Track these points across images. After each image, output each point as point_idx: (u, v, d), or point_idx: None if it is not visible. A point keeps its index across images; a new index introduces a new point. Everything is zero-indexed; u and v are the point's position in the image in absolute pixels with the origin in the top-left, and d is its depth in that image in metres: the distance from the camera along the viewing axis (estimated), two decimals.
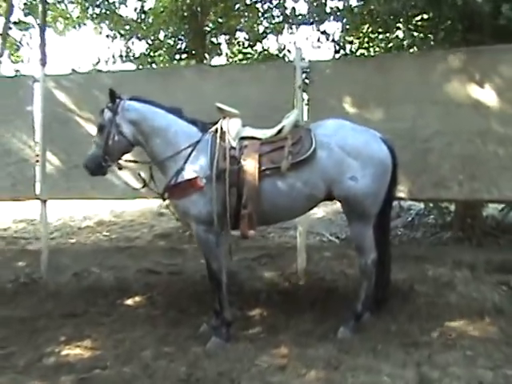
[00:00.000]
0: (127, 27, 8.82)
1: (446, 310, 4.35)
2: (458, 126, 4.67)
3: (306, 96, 5.38)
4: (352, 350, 3.73)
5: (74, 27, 11.13)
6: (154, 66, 9.40)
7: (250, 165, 3.87)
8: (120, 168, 4.25)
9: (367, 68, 4.97)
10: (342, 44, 7.80)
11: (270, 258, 5.57)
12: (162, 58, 9.27)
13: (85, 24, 10.79)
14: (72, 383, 3.44)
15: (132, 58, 9.08)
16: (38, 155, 5.59)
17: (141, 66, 9.04)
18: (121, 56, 9.00)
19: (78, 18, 10.60)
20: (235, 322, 4.31)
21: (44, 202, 5.59)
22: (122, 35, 8.98)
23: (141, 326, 4.40)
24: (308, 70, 5.20)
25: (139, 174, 4.23)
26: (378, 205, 4.00)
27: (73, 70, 7.54)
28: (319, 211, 8.40)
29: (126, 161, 4.31)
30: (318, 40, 8.00)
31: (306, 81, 5.36)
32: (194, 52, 8.72)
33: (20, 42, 10.22)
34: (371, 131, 4.06)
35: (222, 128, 4.04)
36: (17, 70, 9.17)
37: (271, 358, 3.68)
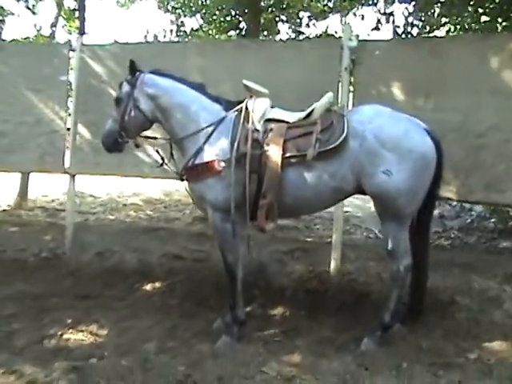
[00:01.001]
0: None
1: (488, 329, 3.82)
2: None
3: (352, 79, 4.94)
4: (373, 365, 3.32)
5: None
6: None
7: (274, 150, 3.50)
8: (138, 146, 3.99)
9: (421, 51, 4.46)
10: (404, 26, 7.23)
11: (303, 252, 5.21)
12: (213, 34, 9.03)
13: None
14: (63, 371, 3.22)
15: (183, 32, 8.89)
16: (69, 129, 5.47)
17: None
18: (171, 30, 8.82)
19: None
20: (252, 319, 4.05)
21: (73, 176, 5.47)
22: (174, 8, 8.76)
23: (152, 315, 4.18)
24: (356, 51, 4.74)
25: (157, 151, 3.96)
26: (416, 205, 3.54)
27: (115, 41, 7.42)
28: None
29: (144, 137, 4.06)
30: (379, 22, 7.44)
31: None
32: (246, 29, 8.38)
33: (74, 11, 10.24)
34: (414, 120, 3.58)
35: (246, 108, 3.69)
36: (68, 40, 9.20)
37: (281, 365, 3.33)
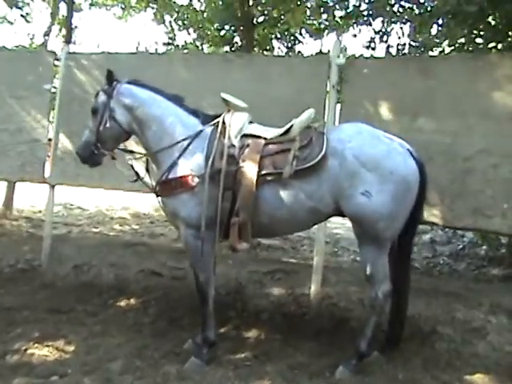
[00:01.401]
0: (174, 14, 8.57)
1: (470, 361, 3.70)
2: (508, 146, 4.01)
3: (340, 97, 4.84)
4: None
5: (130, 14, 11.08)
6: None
7: (249, 167, 3.40)
8: (114, 158, 3.87)
9: (409, 70, 4.37)
10: (397, 46, 7.19)
11: (285, 274, 5.06)
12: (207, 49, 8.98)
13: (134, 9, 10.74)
14: None
15: (176, 46, 8.84)
16: (50, 139, 5.38)
17: None
18: (164, 43, 8.78)
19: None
20: (225, 341, 3.93)
21: (52, 186, 5.36)
22: (166, 21, 8.72)
23: (123, 333, 4.06)
24: (344, 68, 4.66)
25: (132, 166, 3.85)
26: (396, 228, 3.43)
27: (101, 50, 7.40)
28: None
29: (121, 150, 3.96)
30: (372, 40, 7.39)
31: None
32: (240, 45, 8.32)
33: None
34: (397, 141, 3.48)
35: (223, 122, 3.60)
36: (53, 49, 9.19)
37: None
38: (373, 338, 3.50)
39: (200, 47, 9.24)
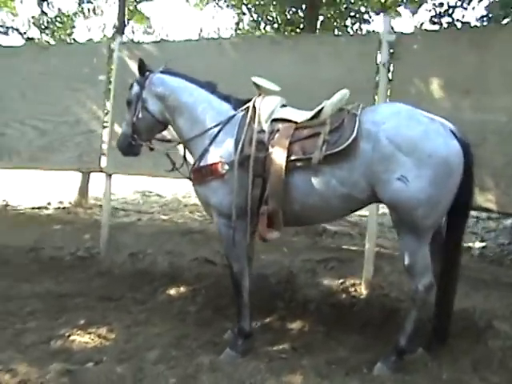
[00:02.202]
0: None
1: None
2: None
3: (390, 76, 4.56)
4: None
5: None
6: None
7: (278, 153, 3.26)
8: (152, 149, 3.89)
9: (461, 43, 4.03)
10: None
11: (339, 263, 4.88)
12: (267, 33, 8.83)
13: None
14: (57, 373, 3.18)
15: (239, 30, 8.78)
16: (106, 127, 5.53)
17: None
18: (230, 28, 8.74)
19: None
20: (268, 332, 3.89)
21: (109, 175, 5.52)
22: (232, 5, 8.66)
23: (166, 322, 4.11)
24: (394, 45, 4.38)
25: (167, 155, 3.83)
26: (438, 216, 3.17)
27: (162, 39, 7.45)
28: None
29: (158, 140, 3.96)
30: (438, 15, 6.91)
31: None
32: (302, 27, 8.09)
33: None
34: (438, 121, 3.18)
35: (254, 107, 3.49)
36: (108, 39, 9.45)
37: None
38: (414, 333, 3.25)
39: (265, 31, 9.13)
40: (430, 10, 7.60)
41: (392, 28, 4.46)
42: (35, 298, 4.50)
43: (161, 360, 3.45)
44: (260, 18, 9.01)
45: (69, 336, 3.80)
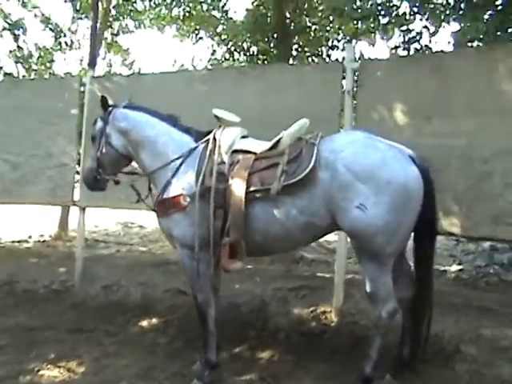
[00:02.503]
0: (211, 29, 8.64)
1: None
2: None
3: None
4: None
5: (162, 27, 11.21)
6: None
7: (237, 184, 3.31)
8: (117, 182, 3.93)
9: (422, 69, 4.13)
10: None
11: (310, 290, 4.93)
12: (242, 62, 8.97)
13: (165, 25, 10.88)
14: None
15: (214, 60, 8.91)
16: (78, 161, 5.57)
17: None
18: (203, 59, 8.88)
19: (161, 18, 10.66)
20: (237, 362, 3.89)
21: (83, 209, 5.53)
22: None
23: (136, 353, 4.08)
24: (357, 72, 4.48)
25: (132, 186, 3.87)
26: (398, 243, 3.20)
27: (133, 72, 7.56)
28: None
29: (124, 173, 3.99)
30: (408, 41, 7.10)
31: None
32: (276, 55, 8.23)
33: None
34: (397, 147, 3.25)
35: (214, 138, 3.56)
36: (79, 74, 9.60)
37: None
38: (380, 359, 3.28)
39: (238, 61, 9.27)
40: (399, 36, 7.81)
41: (361, 55, 4.55)
42: (6, 333, 4.46)
43: None
44: (234, 49, 9.16)
45: (38, 371, 3.79)
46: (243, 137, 3.62)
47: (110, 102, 3.88)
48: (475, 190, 3.82)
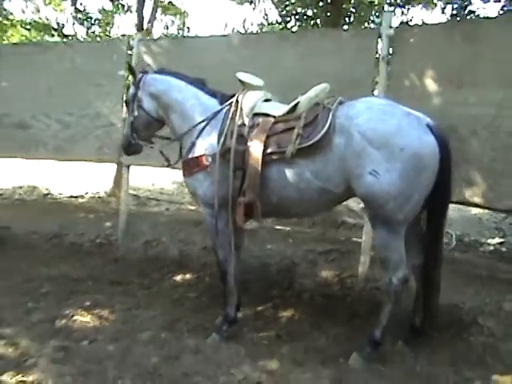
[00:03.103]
0: None
1: (505, 359, 3.33)
2: None
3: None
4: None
5: None
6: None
7: (255, 146, 3.40)
8: (151, 146, 4.11)
9: (454, 36, 3.99)
10: None
11: (340, 255, 4.97)
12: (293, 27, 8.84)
13: None
14: (53, 349, 3.46)
15: (265, 25, 8.85)
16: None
17: None
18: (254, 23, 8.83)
19: None
20: (259, 319, 4.04)
21: (127, 167, 5.78)
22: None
23: (165, 306, 4.33)
24: (393, 39, 4.37)
25: (161, 152, 4.02)
26: (410, 211, 3.19)
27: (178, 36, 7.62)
28: None
29: (158, 137, 4.14)
30: None
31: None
32: (328, 19, 8.05)
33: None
34: (414, 115, 3.20)
35: (237, 101, 3.63)
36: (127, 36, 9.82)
37: (252, 370, 3.25)
38: (387, 326, 3.33)
39: (287, 25, 9.17)
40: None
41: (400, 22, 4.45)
42: (50, 281, 4.79)
43: (151, 341, 3.66)
44: (285, 13, 9.07)
45: (72, 316, 4.05)
46: (266, 100, 3.68)
47: (148, 67, 4.01)
48: (501, 162, 3.71)
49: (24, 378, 3.10)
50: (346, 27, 7.85)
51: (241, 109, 3.57)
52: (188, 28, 12.32)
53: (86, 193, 9.22)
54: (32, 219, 6.42)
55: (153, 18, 9.66)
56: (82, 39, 10.59)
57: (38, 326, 3.86)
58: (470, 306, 3.85)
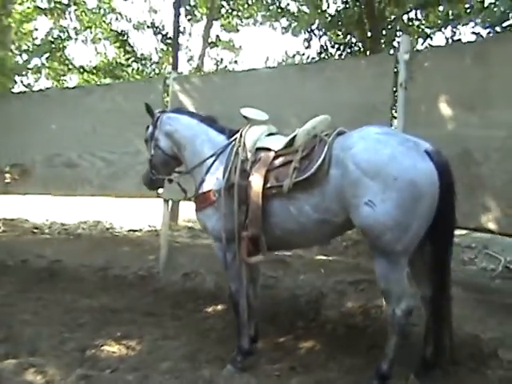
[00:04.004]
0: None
1: None
2: None
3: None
4: None
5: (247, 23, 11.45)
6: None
7: (256, 181, 3.55)
8: (170, 181, 4.37)
9: (465, 58, 3.98)
10: None
11: (368, 284, 4.93)
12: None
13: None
14: (77, 378, 3.66)
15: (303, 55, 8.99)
16: None
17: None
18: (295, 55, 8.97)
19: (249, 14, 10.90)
20: (279, 351, 4.10)
21: (166, 201, 6.08)
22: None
23: (191, 337, 4.49)
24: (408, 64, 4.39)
25: (179, 184, 4.27)
26: (410, 241, 3.15)
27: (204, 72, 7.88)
28: None
29: (176, 172, 4.40)
30: None
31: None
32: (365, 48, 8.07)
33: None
34: (411, 143, 3.20)
35: (240, 137, 3.81)
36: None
37: None
38: (394, 359, 3.31)
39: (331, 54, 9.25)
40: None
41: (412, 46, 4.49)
42: (89, 312, 5.10)
43: (169, 371, 3.81)
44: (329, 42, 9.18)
45: (101, 346, 4.28)
46: (270, 134, 3.82)
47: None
48: None
49: None
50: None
51: (244, 144, 3.75)
52: (236, 62, 12.78)
53: (144, 227, 9.67)
54: (83, 253, 6.86)
55: (203, 54, 10.12)
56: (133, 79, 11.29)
57: (68, 355, 4.10)
58: (491, 336, 3.74)
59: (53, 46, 12.05)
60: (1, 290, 5.77)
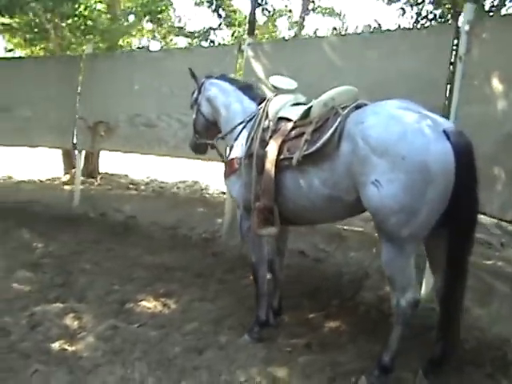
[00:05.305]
0: None
1: None
2: None
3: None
4: None
5: None
6: None
7: (271, 151, 3.50)
8: (212, 147, 4.44)
9: None
10: None
11: (418, 270, 4.67)
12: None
13: None
14: (106, 327, 3.95)
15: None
16: None
17: None
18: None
19: None
20: (305, 326, 4.08)
21: None
22: None
23: (226, 301, 4.60)
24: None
25: (217, 149, 4.32)
26: (419, 227, 2.92)
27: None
28: None
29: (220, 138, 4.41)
30: None
31: None
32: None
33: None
34: (430, 119, 2.92)
35: (265, 105, 3.75)
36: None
37: (256, 374, 3.37)
38: (397, 350, 3.16)
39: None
40: None
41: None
42: (147, 268, 5.39)
43: (192, 332, 3.97)
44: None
45: (141, 301, 4.54)
46: (296, 104, 3.72)
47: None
48: None
49: (67, 347, 3.67)
50: None
51: (266, 113, 3.70)
52: (335, 28, 12.28)
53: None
54: (159, 211, 7.25)
55: (301, 20, 9.93)
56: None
57: (108, 305, 4.43)
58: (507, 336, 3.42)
59: (158, 7, 12.38)
60: (75, 238, 6.31)
